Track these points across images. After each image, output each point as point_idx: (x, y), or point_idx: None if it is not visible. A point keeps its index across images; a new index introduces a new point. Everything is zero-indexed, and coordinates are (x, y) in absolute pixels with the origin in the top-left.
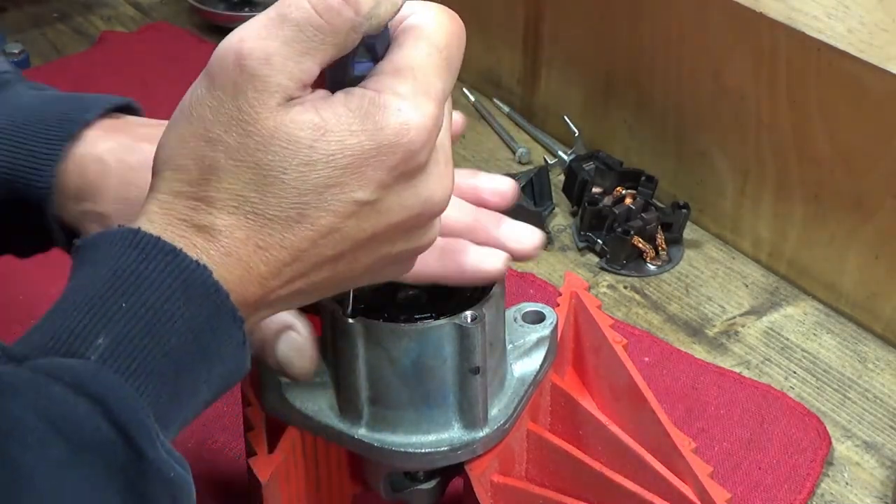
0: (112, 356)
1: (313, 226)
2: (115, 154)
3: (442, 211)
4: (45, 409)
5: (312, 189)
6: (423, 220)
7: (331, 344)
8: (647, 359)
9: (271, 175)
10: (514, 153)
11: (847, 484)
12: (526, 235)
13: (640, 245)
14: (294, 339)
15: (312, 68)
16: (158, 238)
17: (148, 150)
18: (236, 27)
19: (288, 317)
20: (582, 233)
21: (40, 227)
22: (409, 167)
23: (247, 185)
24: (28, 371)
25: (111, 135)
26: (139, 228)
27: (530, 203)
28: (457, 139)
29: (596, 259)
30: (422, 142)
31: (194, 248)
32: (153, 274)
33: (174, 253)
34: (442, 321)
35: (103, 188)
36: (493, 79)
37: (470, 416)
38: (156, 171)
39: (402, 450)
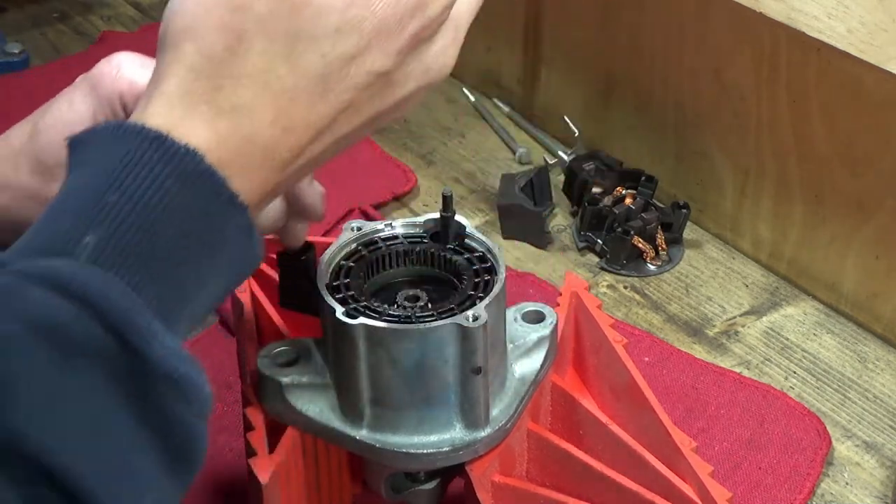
0: (102, 254)
1: (336, 101)
2: None
3: (439, 82)
4: (29, 316)
5: (339, 59)
6: (421, 93)
7: (332, 345)
8: (647, 359)
9: (302, 44)
10: (514, 153)
11: (847, 484)
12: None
13: (640, 245)
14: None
15: None
16: (143, 126)
17: None
18: None
19: None
20: (582, 233)
21: None
22: (423, 35)
23: (276, 56)
24: (11, 276)
25: None
26: (124, 121)
27: (530, 203)
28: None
29: (596, 259)
30: (441, 7)
31: (216, 133)
32: (140, 164)
33: (160, 139)
34: (443, 321)
35: None
36: (493, 79)
37: (471, 416)
38: (172, 44)
39: (404, 450)
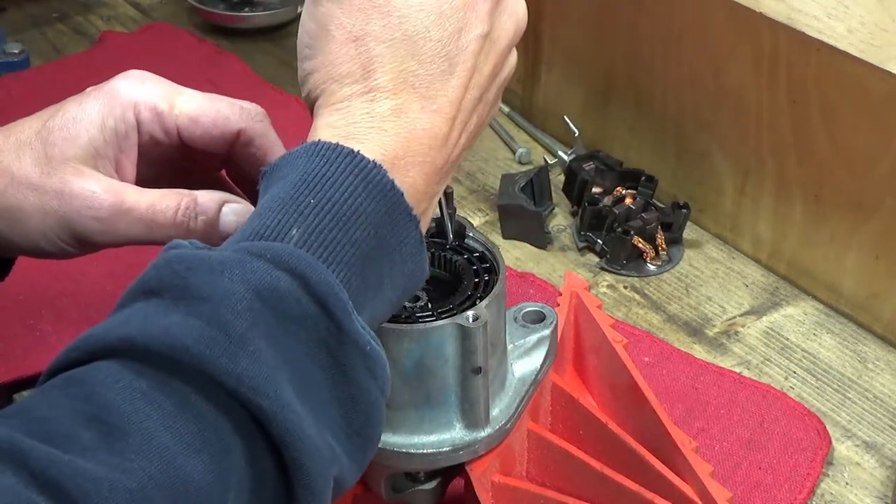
0: (305, 244)
1: (462, 71)
2: None
3: (523, 29)
4: (252, 281)
5: (450, 37)
6: (516, 39)
7: None
8: (647, 359)
9: (418, 38)
10: (514, 153)
11: (847, 484)
12: None
13: (640, 245)
14: (236, 206)
15: None
16: (337, 144)
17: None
18: (236, 27)
19: (222, 193)
20: (582, 233)
21: None
22: None
23: (404, 58)
24: (233, 253)
25: None
26: (319, 140)
27: (530, 203)
28: None
29: (596, 259)
30: None
31: (384, 132)
32: (336, 174)
33: (352, 154)
34: (443, 321)
35: None
36: None
37: (471, 416)
38: (319, 93)
39: (404, 450)
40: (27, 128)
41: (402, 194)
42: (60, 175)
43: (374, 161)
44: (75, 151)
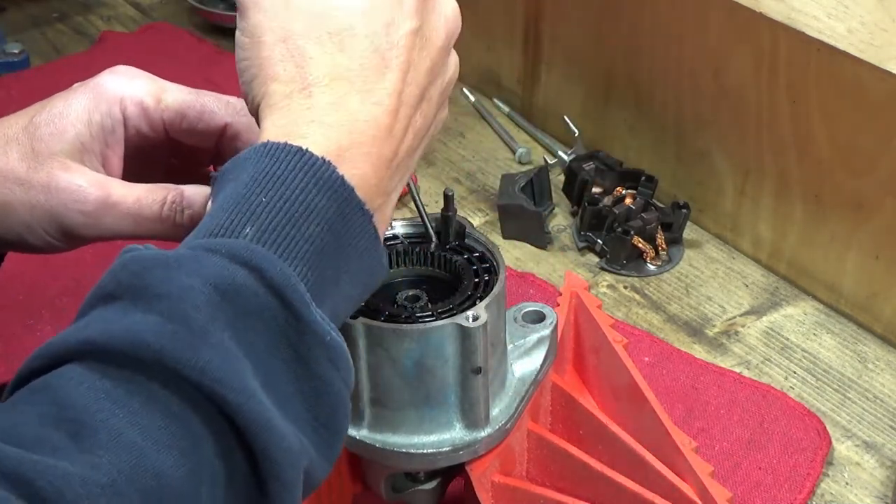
0: (259, 241)
1: (396, 65)
2: None
3: (457, 30)
4: (209, 276)
5: (378, 32)
6: (450, 39)
7: None
8: (647, 359)
9: (345, 34)
10: (514, 153)
11: (847, 484)
12: None
13: (640, 245)
14: None
15: None
16: (285, 143)
17: None
18: (236, 27)
19: (209, 188)
20: (582, 233)
21: None
22: None
23: (333, 53)
24: (188, 250)
25: None
26: (267, 140)
27: (530, 203)
28: None
29: (596, 259)
30: None
31: (326, 125)
32: (285, 172)
33: (301, 152)
34: (443, 321)
35: None
36: (493, 79)
37: (471, 416)
38: (261, 97)
39: (404, 450)
40: (14, 123)
41: (353, 189)
42: (47, 169)
43: (322, 157)
44: (62, 146)
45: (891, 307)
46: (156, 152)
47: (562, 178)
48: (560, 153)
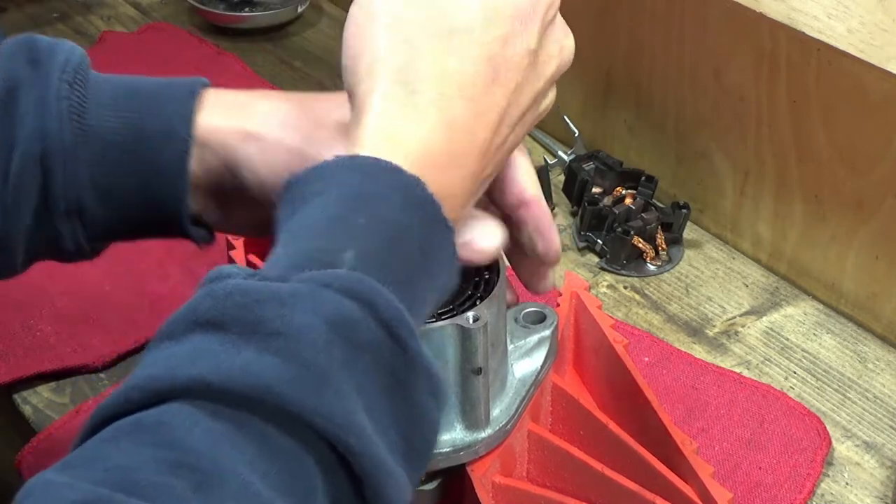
0: (361, 268)
1: (507, 81)
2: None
3: (570, 62)
4: (325, 314)
5: (495, 42)
6: (560, 71)
7: None
8: (647, 359)
9: (458, 37)
10: None
11: (847, 484)
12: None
13: (640, 245)
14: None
15: None
16: (377, 159)
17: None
18: (236, 27)
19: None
20: (582, 233)
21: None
22: (550, 16)
23: (445, 53)
24: (299, 284)
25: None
26: (357, 154)
27: None
28: None
29: (596, 259)
30: None
31: (423, 125)
32: (380, 191)
33: (395, 170)
34: (444, 322)
35: (254, 106)
36: None
37: (472, 416)
38: (360, 79)
39: None
40: (282, 107)
41: (441, 208)
42: (328, 129)
43: (415, 176)
44: (342, 117)
45: (891, 307)
46: None
47: (562, 178)
48: (560, 153)
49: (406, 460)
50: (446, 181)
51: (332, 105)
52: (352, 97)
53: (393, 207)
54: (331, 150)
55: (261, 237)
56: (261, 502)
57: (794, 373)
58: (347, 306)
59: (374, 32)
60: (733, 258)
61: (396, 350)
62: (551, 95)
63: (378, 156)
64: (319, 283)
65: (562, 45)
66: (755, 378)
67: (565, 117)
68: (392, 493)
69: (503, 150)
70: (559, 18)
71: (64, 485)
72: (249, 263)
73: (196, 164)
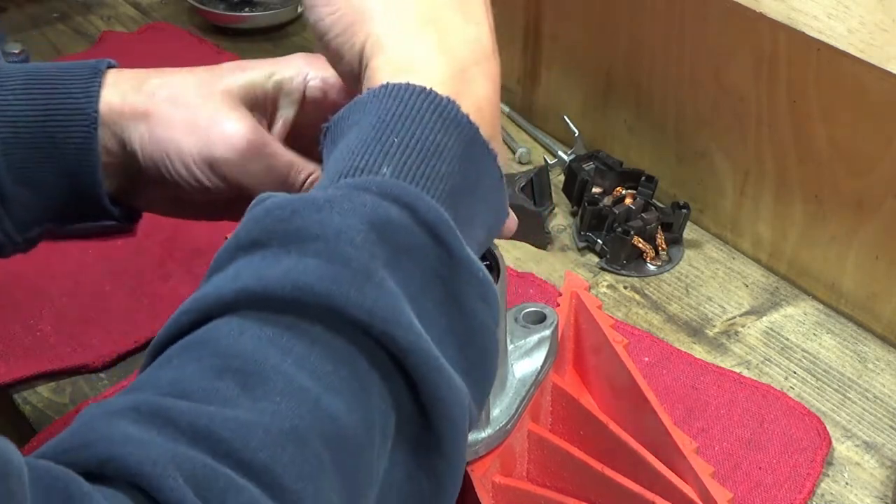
0: (399, 179)
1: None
2: (142, 74)
3: None
4: (363, 214)
5: None
6: None
7: None
8: (647, 359)
9: None
10: (514, 153)
11: (847, 484)
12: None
13: (640, 245)
14: None
15: None
16: (408, 83)
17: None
18: (236, 27)
19: None
20: (582, 233)
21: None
22: None
23: None
24: (335, 190)
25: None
26: (387, 82)
27: (530, 203)
28: None
29: (596, 259)
30: None
31: (443, 49)
32: (413, 112)
33: (426, 92)
34: None
35: (148, 83)
36: None
37: None
38: (357, 40)
39: None
40: (186, 78)
41: (478, 129)
42: (216, 101)
43: (447, 97)
44: (237, 88)
45: (891, 307)
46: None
47: (562, 178)
48: (560, 153)
49: (467, 374)
50: (479, 91)
51: (224, 72)
52: (356, 65)
53: (427, 126)
54: (227, 118)
55: (191, 218)
56: (308, 397)
57: (794, 373)
58: (386, 208)
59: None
60: (733, 258)
61: (441, 254)
62: None
63: (407, 81)
64: (357, 187)
65: None
66: (755, 378)
67: (565, 117)
68: (449, 394)
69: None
70: None
71: (117, 401)
72: None
73: (102, 142)
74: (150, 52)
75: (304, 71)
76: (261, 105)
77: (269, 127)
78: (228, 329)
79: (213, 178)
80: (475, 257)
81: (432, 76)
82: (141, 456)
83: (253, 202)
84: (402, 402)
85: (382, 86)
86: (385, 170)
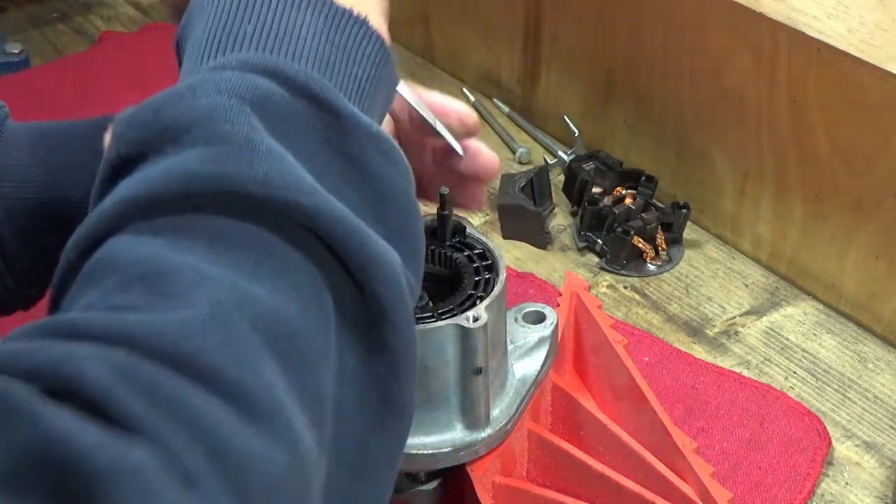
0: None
1: None
2: None
3: None
4: (231, 90)
5: None
6: None
7: None
8: (647, 359)
9: None
10: (514, 153)
11: (847, 484)
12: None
13: (640, 245)
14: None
15: None
16: None
17: None
18: None
19: None
20: (582, 233)
21: None
22: None
23: None
24: (196, 76)
25: None
26: None
27: (530, 203)
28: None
29: (596, 259)
30: None
31: None
32: None
33: None
34: (444, 322)
35: None
36: (493, 79)
37: (472, 416)
38: None
39: (405, 451)
40: None
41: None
42: None
43: None
44: None
45: (891, 307)
46: None
47: (562, 178)
48: (560, 153)
49: (385, 239)
50: None
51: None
52: None
53: (278, 8)
54: None
55: None
56: (224, 283)
57: (794, 373)
58: (251, 79)
59: None
60: (733, 258)
61: (324, 116)
62: None
63: None
64: (216, 67)
65: None
66: (755, 378)
67: (565, 117)
68: (376, 257)
69: None
70: None
71: (16, 332)
72: None
73: None
74: (150, 52)
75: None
76: None
77: None
78: (121, 245)
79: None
80: (365, 117)
81: None
82: (55, 355)
83: (114, 121)
84: (333, 277)
85: None
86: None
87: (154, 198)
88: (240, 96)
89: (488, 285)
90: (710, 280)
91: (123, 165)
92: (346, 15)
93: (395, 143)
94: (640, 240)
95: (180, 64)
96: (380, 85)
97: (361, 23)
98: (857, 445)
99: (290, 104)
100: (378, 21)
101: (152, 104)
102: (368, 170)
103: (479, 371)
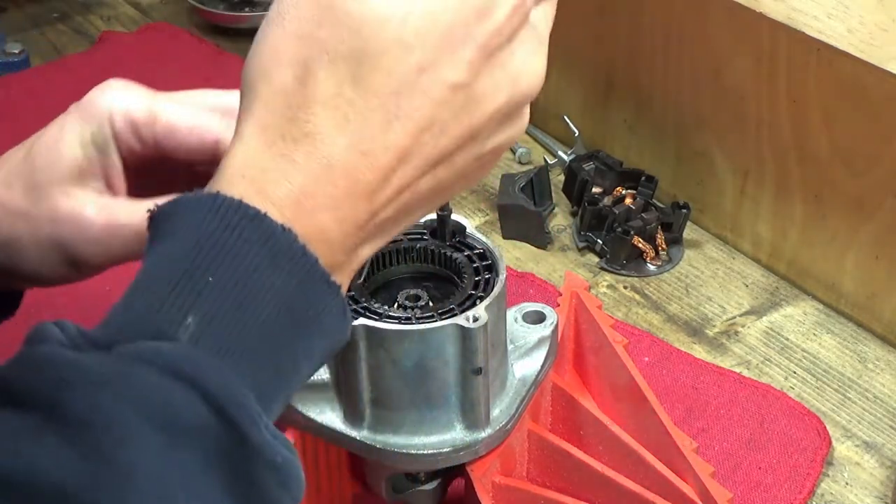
0: (203, 335)
1: (412, 119)
2: None
3: (534, 94)
4: (139, 400)
5: (407, 73)
6: (515, 105)
7: None
8: (647, 359)
9: (367, 62)
10: (513, 153)
11: (847, 484)
12: None
13: (640, 245)
14: None
15: None
16: (240, 202)
17: None
18: (236, 27)
19: None
20: (582, 233)
21: None
22: (495, 42)
23: (343, 80)
24: (117, 360)
25: None
26: (218, 193)
27: (530, 203)
28: None
29: (596, 259)
30: (507, 13)
31: (294, 163)
32: (238, 243)
33: (258, 218)
34: (444, 322)
35: None
36: None
37: (472, 416)
38: (248, 87)
39: (405, 451)
40: (15, 156)
41: (317, 261)
42: (49, 201)
43: (282, 225)
44: (61, 174)
45: (891, 307)
46: (158, 165)
47: (562, 178)
48: (560, 153)
49: None
50: (315, 223)
51: (42, 148)
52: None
53: (252, 264)
54: (55, 203)
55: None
56: None
57: (794, 373)
58: (168, 389)
59: (274, 33)
60: (733, 258)
61: (234, 438)
62: (508, 132)
63: (242, 196)
64: (140, 359)
65: (516, 74)
66: (755, 378)
67: (565, 117)
68: None
69: (412, 193)
70: (525, 42)
71: None
72: None
73: None
74: (150, 52)
75: (105, 116)
76: (88, 172)
77: (108, 183)
78: None
79: (85, 270)
80: (274, 440)
81: (272, 195)
82: None
83: (30, 334)
84: None
85: (213, 197)
86: (190, 319)
87: (12, 482)
88: (145, 412)
89: (488, 285)
90: (710, 280)
91: (14, 398)
92: (321, 279)
93: (296, 467)
94: (640, 240)
95: (148, 240)
96: (323, 352)
97: (335, 291)
98: (857, 445)
99: (199, 419)
100: (342, 271)
101: (64, 369)
102: (259, 490)
103: (479, 371)
